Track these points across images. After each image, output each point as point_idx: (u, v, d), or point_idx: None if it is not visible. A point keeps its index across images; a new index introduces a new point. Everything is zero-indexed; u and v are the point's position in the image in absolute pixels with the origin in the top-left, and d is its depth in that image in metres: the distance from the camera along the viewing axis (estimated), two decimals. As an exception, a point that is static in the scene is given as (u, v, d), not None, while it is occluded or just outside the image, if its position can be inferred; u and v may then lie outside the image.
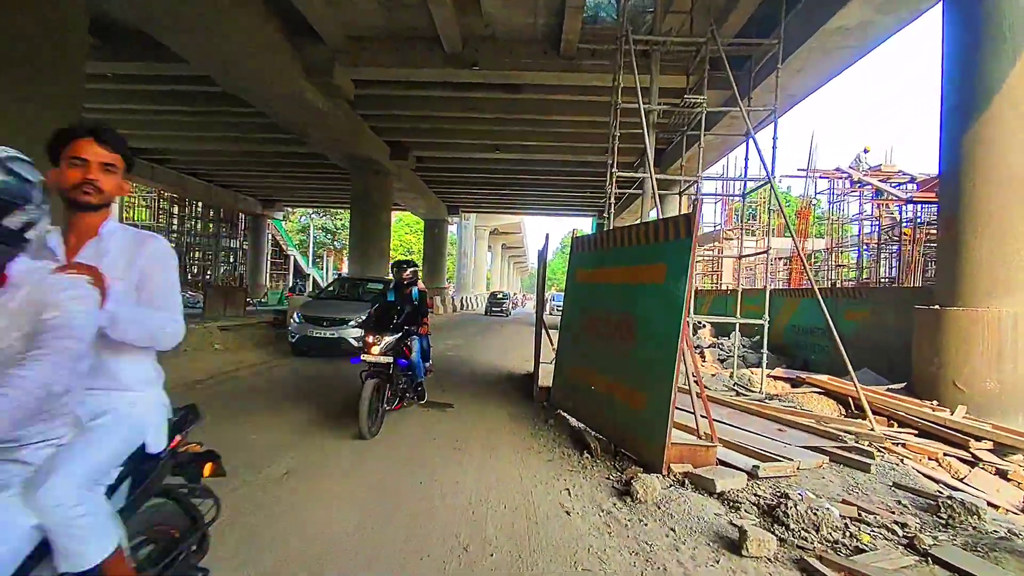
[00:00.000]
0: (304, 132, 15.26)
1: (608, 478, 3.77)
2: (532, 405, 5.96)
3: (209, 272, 33.77)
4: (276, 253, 42.10)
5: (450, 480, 3.64)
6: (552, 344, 6.30)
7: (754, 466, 3.77)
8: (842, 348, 5.71)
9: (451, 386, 7.04)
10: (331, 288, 12.74)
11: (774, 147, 7.42)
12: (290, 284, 40.59)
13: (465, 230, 40.45)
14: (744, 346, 9.96)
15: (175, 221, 30.83)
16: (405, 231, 63.07)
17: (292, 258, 43.66)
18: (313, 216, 54.12)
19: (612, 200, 8.48)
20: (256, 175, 25.46)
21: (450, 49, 11.43)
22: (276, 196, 31.66)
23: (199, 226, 33.33)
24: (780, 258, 25.25)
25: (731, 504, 3.31)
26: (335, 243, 54.40)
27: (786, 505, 3.04)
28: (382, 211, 19.61)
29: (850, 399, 5.98)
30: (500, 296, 32.64)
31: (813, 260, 23.36)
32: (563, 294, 6.03)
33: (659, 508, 3.21)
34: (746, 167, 8.33)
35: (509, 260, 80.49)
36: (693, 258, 3.75)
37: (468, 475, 3.77)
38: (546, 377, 6.09)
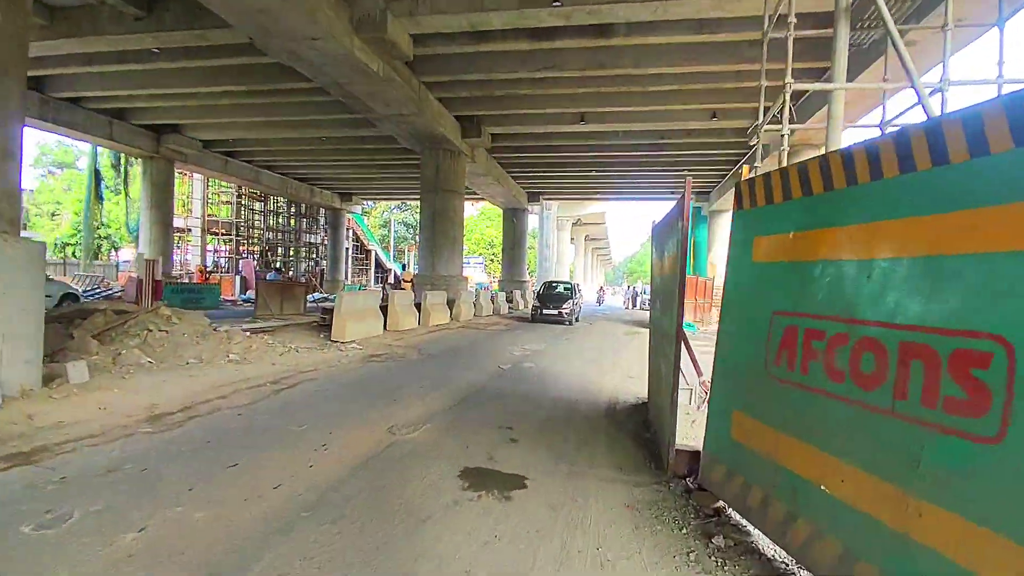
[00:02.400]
0: (365, 106, 13.44)
1: None
2: (661, 481, 3.40)
3: (291, 268, 33.82)
4: (357, 248, 41.94)
5: None
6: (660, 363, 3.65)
7: None
8: None
9: (525, 427, 4.61)
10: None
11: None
12: (366, 279, 40.22)
13: (547, 220, 37.92)
14: None
15: (258, 217, 30.88)
16: (486, 224, 61.74)
17: (373, 253, 43.36)
18: (394, 211, 54.14)
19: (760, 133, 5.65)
20: (330, 165, 24.46)
21: (525, -19, 9.03)
22: (353, 188, 30.85)
23: (280, 221, 33.42)
24: None
25: None
26: (416, 238, 54.04)
27: None
28: (454, 197, 17.55)
29: None
30: (559, 289, 20.03)
31: None
32: (658, 286, 3.59)
33: None
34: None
35: (592, 252, 77.05)
36: None
37: None
38: (682, 427, 3.47)
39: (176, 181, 29.90)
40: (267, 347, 7.70)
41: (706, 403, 3.44)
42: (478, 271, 52.98)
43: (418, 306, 13.45)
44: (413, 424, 4.53)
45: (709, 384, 3.37)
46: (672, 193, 29.09)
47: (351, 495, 3.02)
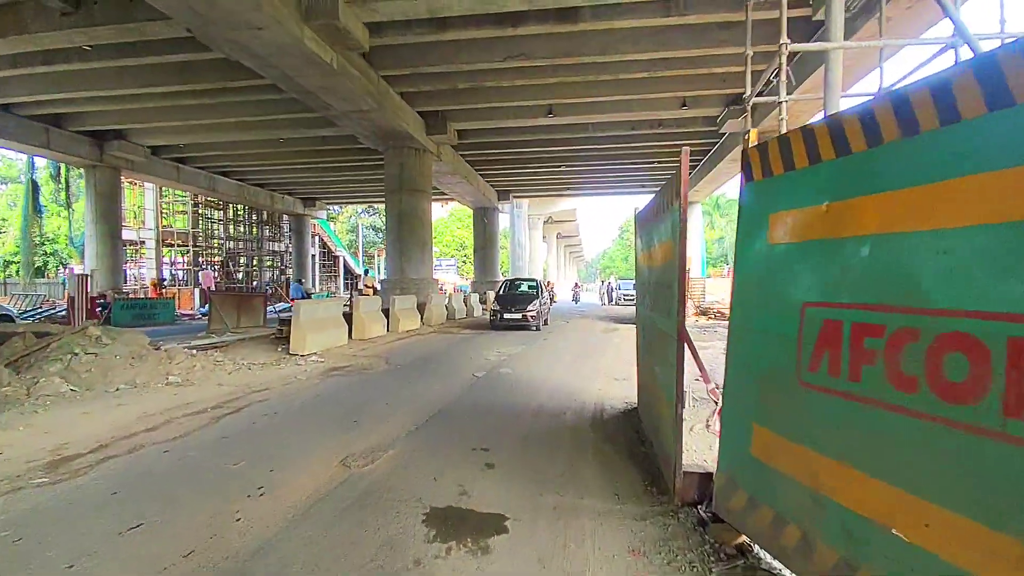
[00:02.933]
0: (320, 102, 12.64)
1: None
2: (667, 511, 2.85)
3: (255, 278, 32.52)
4: (325, 255, 40.72)
5: None
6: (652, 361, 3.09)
7: None
8: None
9: (504, 447, 4.01)
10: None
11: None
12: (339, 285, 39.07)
13: (518, 219, 37.37)
14: None
15: (217, 227, 29.53)
16: (457, 225, 60.91)
17: (342, 259, 42.18)
18: (362, 215, 52.95)
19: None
20: (290, 169, 23.43)
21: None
22: (316, 193, 29.77)
23: (241, 230, 32.11)
24: None
25: None
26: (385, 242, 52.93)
27: None
28: (421, 197, 16.85)
29: None
30: (522, 288, 17.19)
31: None
32: (647, 278, 3.11)
33: None
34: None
35: (565, 250, 76.94)
36: None
37: None
38: (687, 443, 2.93)
39: (127, 192, 28.45)
40: (214, 366, 6.92)
41: (716, 416, 2.90)
42: (451, 273, 52.21)
43: (387, 312, 12.73)
44: (373, 452, 3.88)
45: (720, 393, 2.82)
46: (643, 187, 28.88)
47: (285, 561, 2.38)
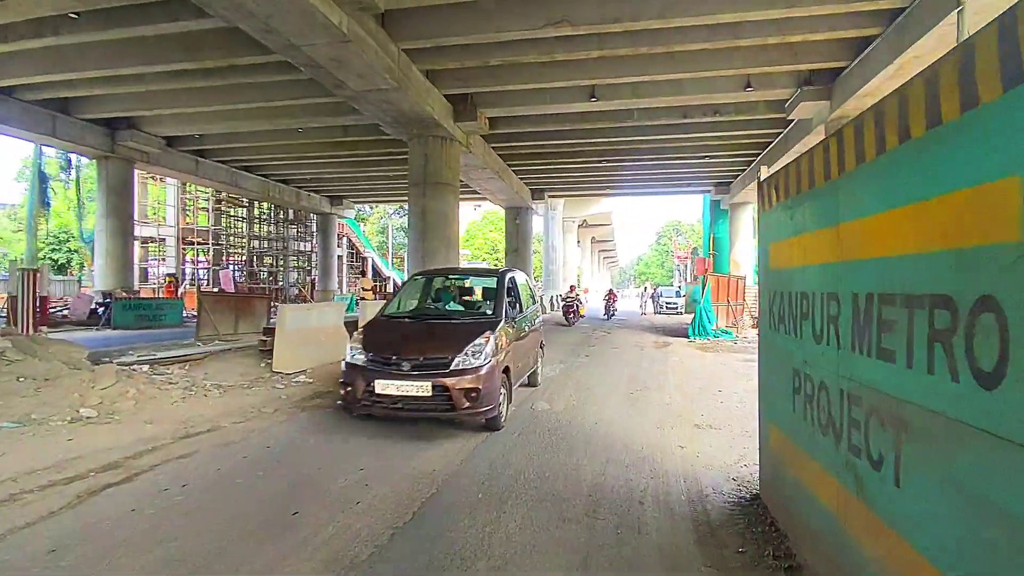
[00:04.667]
0: (334, 80, 11.03)
1: None
2: None
3: (280, 279, 31.55)
4: (353, 256, 39.66)
5: None
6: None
7: None
8: None
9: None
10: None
11: None
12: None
13: (552, 221, 35.55)
14: None
15: (241, 224, 28.60)
16: (490, 228, 59.40)
17: (370, 260, 41.05)
18: (392, 216, 52.00)
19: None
20: (313, 164, 22.12)
21: None
22: (342, 191, 28.53)
23: (267, 228, 31.21)
24: None
25: None
26: (417, 244, 51.67)
27: None
28: (447, 191, 15.11)
29: None
30: (447, 303, 6.35)
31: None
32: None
33: None
34: None
35: (599, 255, 74.57)
36: None
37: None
38: None
39: (149, 187, 27.83)
40: (159, 391, 5.27)
41: None
42: (482, 277, 50.55)
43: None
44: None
45: None
46: (688, 186, 26.62)
47: None
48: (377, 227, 51.47)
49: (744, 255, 26.12)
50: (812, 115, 13.57)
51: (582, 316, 19.81)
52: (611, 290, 24.67)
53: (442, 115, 13.71)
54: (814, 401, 2.20)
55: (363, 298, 14.15)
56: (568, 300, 19.89)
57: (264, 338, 7.64)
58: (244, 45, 10.25)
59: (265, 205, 30.97)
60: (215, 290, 18.67)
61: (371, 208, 51.27)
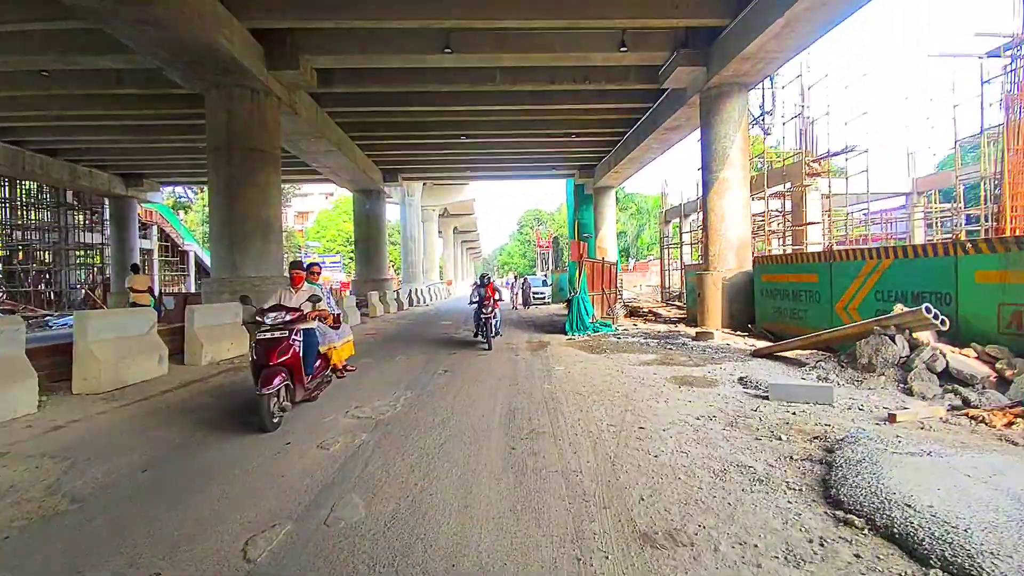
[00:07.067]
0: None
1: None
2: None
3: (59, 281, 24.68)
4: (169, 250, 32.88)
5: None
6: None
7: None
8: None
9: None
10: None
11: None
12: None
13: (409, 208, 32.48)
14: None
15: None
16: (344, 218, 54.06)
17: (192, 254, 34.45)
18: (222, 204, 44.68)
19: None
20: (88, 127, 16.74)
21: None
22: (138, 167, 22.72)
23: (40, 216, 24.21)
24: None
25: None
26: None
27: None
28: (264, 160, 11.60)
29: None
30: None
31: None
32: None
33: None
34: None
35: (462, 246, 72.60)
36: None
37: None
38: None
39: None
40: None
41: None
42: (336, 272, 45.78)
43: (182, 331, 7.65)
44: None
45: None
46: (554, 169, 25.37)
47: None
48: (204, 216, 43.89)
49: (610, 240, 25.58)
50: (687, 84, 12.46)
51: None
52: (485, 275, 21.11)
53: (247, 57, 10.29)
54: None
55: (135, 303, 10.23)
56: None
57: None
58: None
59: (38, 187, 23.93)
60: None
61: (195, 193, 43.55)
